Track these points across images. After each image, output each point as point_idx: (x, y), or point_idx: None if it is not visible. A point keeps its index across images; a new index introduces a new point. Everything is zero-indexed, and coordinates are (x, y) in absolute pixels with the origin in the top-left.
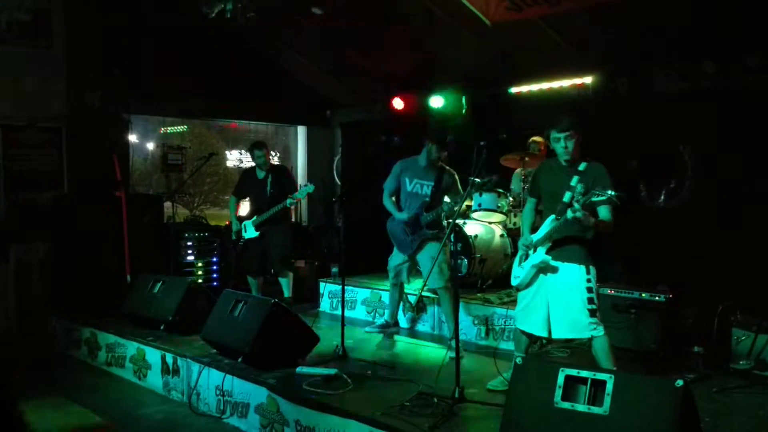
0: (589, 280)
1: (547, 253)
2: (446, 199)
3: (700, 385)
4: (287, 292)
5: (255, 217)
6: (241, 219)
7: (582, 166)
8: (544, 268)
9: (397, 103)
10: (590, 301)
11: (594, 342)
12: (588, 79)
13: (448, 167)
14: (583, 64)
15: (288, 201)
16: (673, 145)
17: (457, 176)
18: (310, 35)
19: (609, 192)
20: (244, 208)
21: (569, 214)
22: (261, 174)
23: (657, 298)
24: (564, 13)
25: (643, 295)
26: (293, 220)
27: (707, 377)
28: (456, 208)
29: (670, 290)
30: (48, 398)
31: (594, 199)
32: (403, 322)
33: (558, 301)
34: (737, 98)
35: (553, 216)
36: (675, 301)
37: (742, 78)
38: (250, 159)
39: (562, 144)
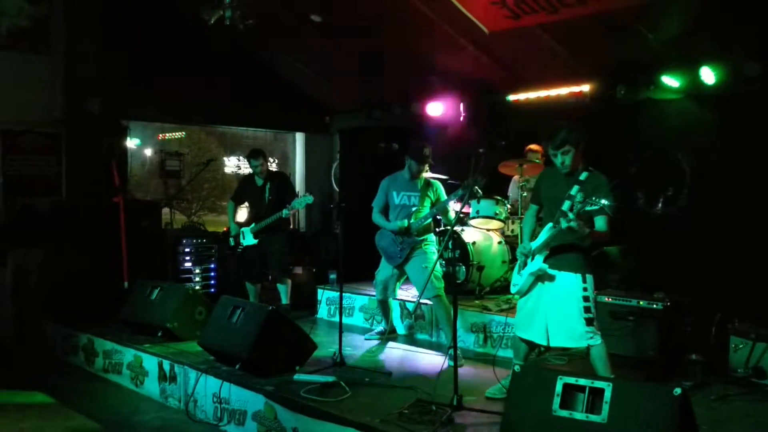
0: (585, 289)
1: (544, 261)
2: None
3: (697, 393)
4: (285, 299)
5: (253, 225)
6: (239, 225)
7: (583, 176)
8: (541, 276)
9: (395, 111)
10: (587, 310)
11: (591, 350)
12: (586, 87)
13: (432, 179)
14: (580, 72)
15: (284, 211)
16: (671, 153)
17: (441, 187)
18: (309, 42)
19: (602, 201)
20: (241, 214)
21: (563, 223)
22: (260, 181)
23: (655, 305)
24: (562, 21)
25: (641, 302)
26: (291, 226)
27: (705, 385)
28: (445, 211)
29: (668, 298)
30: (45, 405)
31: (588, 208)
32: (401, 329)
33: (555, 309)
34: (736, 105)
35: (551, 224)
36: (673, 308)
37: (741, 85)
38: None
39: (559, 159)
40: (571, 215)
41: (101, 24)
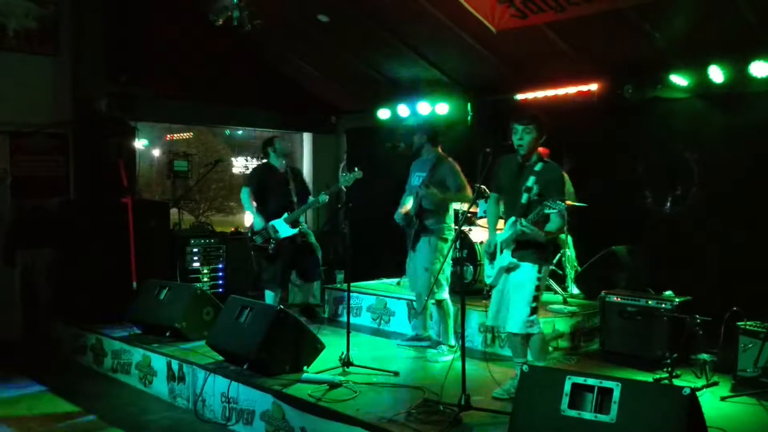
0: (538, 279)
1: (512, 254)
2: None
3: (706, 393)
4: (318, 299)
5: (286, 214)
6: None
7: (538, 167)
8: (509, 268)
9: (403, 110)
10: (534, 299)
11: (531, 339)
12: (593, 86)
13: (449, 159)
14: (588, 71)
15: (321, 197)
16: (679, 152)
17: (454, 168)
18: (316, 42)
19: (558, 204)
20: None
21: (518, 228)
22: (281, 170)
23: (664, 305)
24: (569, 20)
25: (650, 302)
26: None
27: (714, 385)
28: (431, 196)
29: (677, 297)
30: (54, 404)
31: (547, 211)
32: (408, 328)
33: (512, 297)
34: (743, 105)
35: (513, 219)
36: (681, 308)
37: (748, 84)
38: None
39: (518, 136)
40: (524, 221)
41: (108, 25)
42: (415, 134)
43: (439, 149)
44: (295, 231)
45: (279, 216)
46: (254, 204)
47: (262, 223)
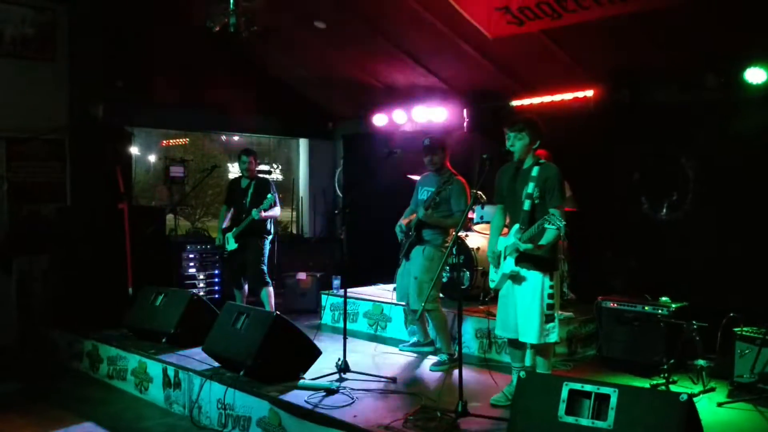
0: (552, 287)
1: (515, 261)
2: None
3: (703, 399)
4: (268, 308)
5: (234, 229)
6: (225, 230)
7: (535, 171)
8: (513, 276)
9: (399, 116)
10: (549, 307)
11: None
12: (589, 92)
13: (458, 178)
14: (584, 77)
15: (253, 212)
16: (675, 158)
17: (460, 187)
18: (313, 48)
19: (559, 223)
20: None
21: (516, 244)
22: (245, 182)
23: (660, 311)
24: (565, 27)
25: (647, 308)
26: (294, 232)
27: (711, 391)
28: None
29: (674, 303)
30: (49, 411)
31: (546, 226)
32: (405, 334)
33: (522, 306)
34: (738, 111)
35: (517, 226)
36: (678, 313)
37: (743, 91)
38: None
39: (510, 142)
40: (523, 236)
41: (105, 31)
42: (436, 152)
43: (449, 165)
44: (236, 246)
45: (232, 229)
46: (228, 218)
47: (219, 235)
